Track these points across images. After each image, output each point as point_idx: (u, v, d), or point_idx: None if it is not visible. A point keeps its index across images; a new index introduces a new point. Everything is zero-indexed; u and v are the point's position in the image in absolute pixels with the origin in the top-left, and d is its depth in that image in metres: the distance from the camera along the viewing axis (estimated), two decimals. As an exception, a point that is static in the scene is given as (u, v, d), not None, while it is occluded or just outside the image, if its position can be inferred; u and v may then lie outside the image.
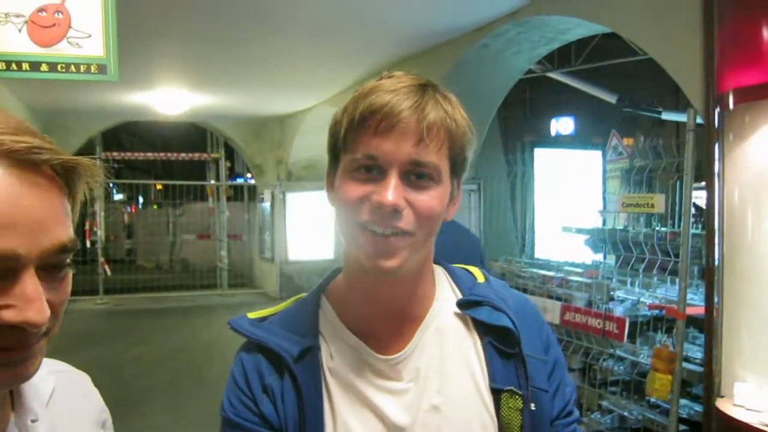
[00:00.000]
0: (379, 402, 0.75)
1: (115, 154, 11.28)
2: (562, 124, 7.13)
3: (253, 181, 11.29)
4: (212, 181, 11.46)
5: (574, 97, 8.21)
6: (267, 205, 9.38)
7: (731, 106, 1.98)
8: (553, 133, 6.98)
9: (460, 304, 0.81)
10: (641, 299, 3.11)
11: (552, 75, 7.59)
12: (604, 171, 5.65)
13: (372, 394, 0.75)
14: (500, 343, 0.79)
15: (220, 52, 4.95)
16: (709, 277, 2.31)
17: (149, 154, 12.47)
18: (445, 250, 0.86)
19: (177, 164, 15.38)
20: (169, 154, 11.99)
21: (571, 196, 6.64)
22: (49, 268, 0.50)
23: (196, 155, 11.52)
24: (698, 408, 2.74)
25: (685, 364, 2.62)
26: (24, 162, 0.49)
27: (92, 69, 2.68)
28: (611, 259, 4.21)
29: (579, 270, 3.64)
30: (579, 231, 4.90)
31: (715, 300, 2.14)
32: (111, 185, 12.79)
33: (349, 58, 5.11)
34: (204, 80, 6.24)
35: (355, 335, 0.78)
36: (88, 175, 0.54)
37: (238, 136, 9.78)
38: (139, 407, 4.23)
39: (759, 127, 2.00)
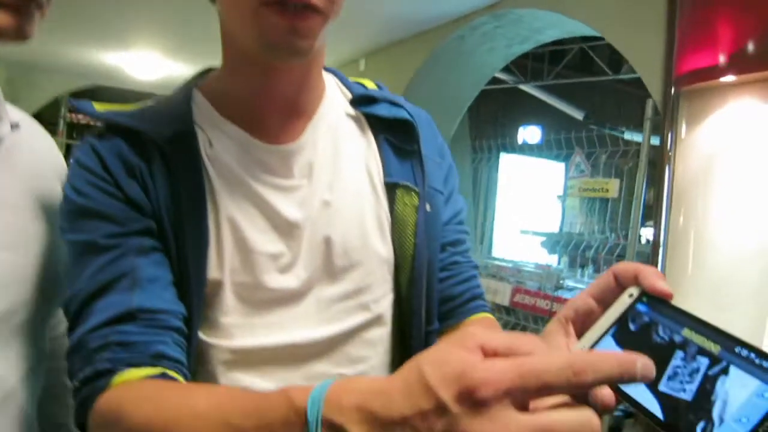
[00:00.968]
0: (270, 198, 0.69)
1: (80, 117, 11.02)
2: (529, 133, 7.31)
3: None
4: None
5: (543, 108, 8.44)
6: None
7: (686, 87, 2.09)
8: (519, 140, 7.15)
9: (355, 101, 0.77)
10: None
11: (523, 87, 7.77)
12: (566, 185, 5.81)
13: (261, 190, 0.69)
14: (397, 139, 0.76)
15: (200, 17, 4.92)
16: (654, 257, 2.42)
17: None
18: None
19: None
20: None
21: (532, 201, 6.79)
22: None
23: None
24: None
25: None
26: None
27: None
28: (565, 263, 4.37)
29: (532, 266, 3.78)
30: (536, 234, 5.07)
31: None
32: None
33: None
34: (182, 46, 6.17)
35: (237, 127, 0.70)
36: None
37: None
38: None
39: (709, 112, 2.11)
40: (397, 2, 4.12)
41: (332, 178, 0.72)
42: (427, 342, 0.74)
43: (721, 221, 2.05)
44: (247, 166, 0.69)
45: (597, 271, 4.20)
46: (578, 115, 8.04)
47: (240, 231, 0.68)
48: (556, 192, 6.69)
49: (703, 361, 0.41)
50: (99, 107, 0.70)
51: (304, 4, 0.61)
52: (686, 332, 0.43)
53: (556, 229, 5.21)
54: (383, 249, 0.73)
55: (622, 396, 0.41)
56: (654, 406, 0.41)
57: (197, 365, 0.67)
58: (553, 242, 4.48)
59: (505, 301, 3.34)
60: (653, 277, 0.46)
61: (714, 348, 0.41)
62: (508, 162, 7.05)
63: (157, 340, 0.60)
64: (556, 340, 0.50)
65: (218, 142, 0.69)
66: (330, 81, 0.79)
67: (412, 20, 4.48)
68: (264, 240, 0.68)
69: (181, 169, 0.66)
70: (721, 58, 2.00)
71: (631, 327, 0.46)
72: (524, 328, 3.25)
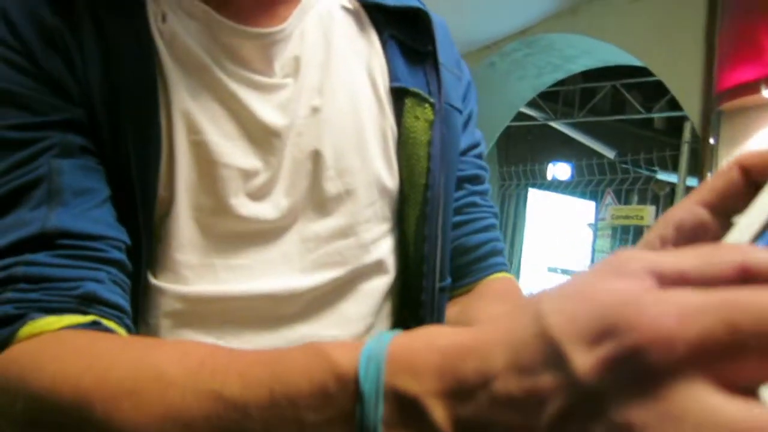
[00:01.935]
0: (242, 96, 0.52)
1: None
2: (560, 169, 7.17)
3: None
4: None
5: (573, 146, 8.33)
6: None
7: (727, 103, 1.99)
8: (549, 177, 7.03)
9: None
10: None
11: (553, 124, 7.70)
12: (596, 224, 5.66)
13: (230, 85, 0.51)
14: (407, 36, 0.59)
15: None
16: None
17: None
18: None
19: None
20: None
21: (560, 239, 6.63)
22: None
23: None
24: None
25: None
26: None
27: None
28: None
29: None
30: (564, 272, 4.93)
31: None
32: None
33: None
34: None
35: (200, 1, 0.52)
36: None
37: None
38: None
39: (751, 131, 2.01)
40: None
41: (323, 80, 0.55)
42: (437, 302, 0.59)
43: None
44: (211, 52, 0.51)
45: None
46: (609, 154, 7.89)
47: (200, 134, 0.50)
48: (585, 232, 6.52)
49: None
50: None
51: None
52: None
53: (585, 267, 5.04)
54: (387, 174, 0.57)
55: None
56: None
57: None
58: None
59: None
60: None
61: None
62: (536, 197, 6.93)
63: (85, 276, 0.43)
64: None
65: (174, 17, 0.51)
66: None
67: (443, 47, 4.46)
68: (232, 150, 0.51)
69: (122, 42, 0.48)
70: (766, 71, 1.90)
71: None
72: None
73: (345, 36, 0.58)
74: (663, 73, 2.87)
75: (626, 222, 2.93)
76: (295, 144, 0.53)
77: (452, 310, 0.63)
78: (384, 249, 0.57)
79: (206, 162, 0.50)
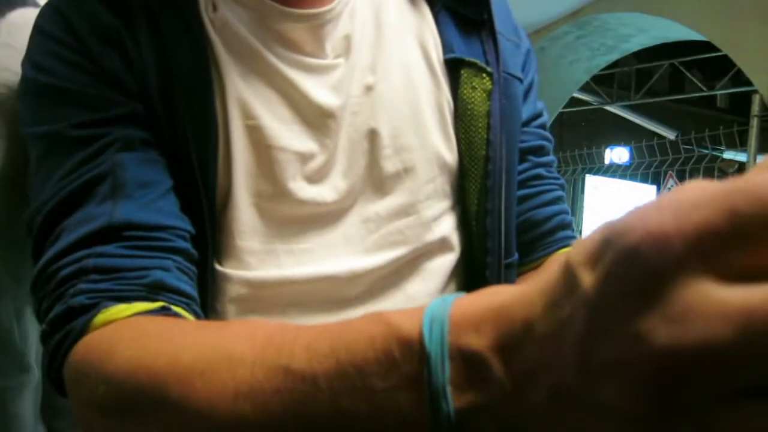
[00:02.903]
0: (295, 79, 0.52)
1: None
2: (617, 153, 6.97)
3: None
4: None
5: (631, 128, 8.07)
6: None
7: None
8: (606, 161, 6.84)
9: None
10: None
11: (609, 108, 7.47)
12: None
13: (284, 69, 0.52)
14: (460, 5, 0.58)
15: None
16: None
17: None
18: None
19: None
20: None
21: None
22: None
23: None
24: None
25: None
26: None
27: None
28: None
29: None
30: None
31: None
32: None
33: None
34: None
35: None
36: None
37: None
38: None
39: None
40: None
41: (375, 57, 0.55)
42: (504, 279, 0.57)
43: None
44: (263, 39, 0.52)
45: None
46: (670, 135, 7.60)
47: (255, 119, 0.51)
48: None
49: None
50: None
51: None
52: None
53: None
54: (445, 148, 0.56)
55: None
56: None
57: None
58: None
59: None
60: None
61: None
62: (593, 184, 6.76)
63: (153, 265, 0.44)
64: None
65: (224, 5, 0.52)
66: None
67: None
68: (288, 133, 0.51)
69: (175, 35, 0.49)
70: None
71: None
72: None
73: (395, 11, 0.58)
74: (728, 47, 2.74)
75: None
76: (351, 124, 0.53)
77: None
78: (447, 226, 0.56)
79: (262, 146, 0.51)
